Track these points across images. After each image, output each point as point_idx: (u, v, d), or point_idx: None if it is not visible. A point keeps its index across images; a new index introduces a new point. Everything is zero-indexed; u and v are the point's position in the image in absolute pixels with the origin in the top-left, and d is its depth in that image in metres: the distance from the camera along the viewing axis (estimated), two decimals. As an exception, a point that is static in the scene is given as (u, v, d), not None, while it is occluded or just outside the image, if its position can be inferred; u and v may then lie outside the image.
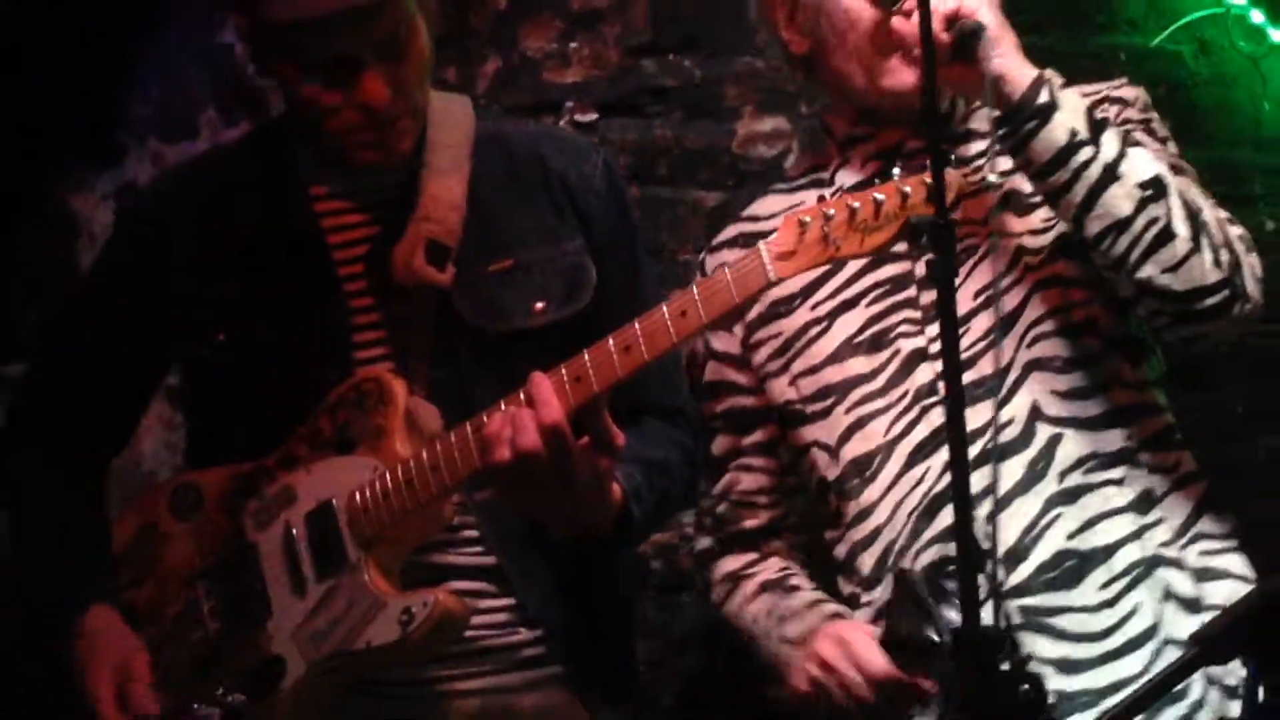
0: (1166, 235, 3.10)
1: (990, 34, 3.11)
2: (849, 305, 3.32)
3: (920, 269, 3.24)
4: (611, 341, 2.90)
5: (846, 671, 3.15)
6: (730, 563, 3.47)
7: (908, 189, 2.77)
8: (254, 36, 3.17)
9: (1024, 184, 3.25)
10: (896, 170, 2.84)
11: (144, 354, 3.40)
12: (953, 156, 3.34)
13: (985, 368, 3.18)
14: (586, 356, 2.92)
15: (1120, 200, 3.10)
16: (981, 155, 3.36)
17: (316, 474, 3.16)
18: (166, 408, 4.28)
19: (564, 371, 2.93)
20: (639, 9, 4.62)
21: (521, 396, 2.95)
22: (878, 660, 3.11)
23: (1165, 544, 3.18)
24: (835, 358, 3.31)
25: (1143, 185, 3.11)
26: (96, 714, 3.16)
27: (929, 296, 3.22)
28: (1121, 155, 3.12)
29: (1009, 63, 3.13)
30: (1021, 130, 3.11)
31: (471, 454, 3.02)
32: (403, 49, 3.13)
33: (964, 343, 3.19)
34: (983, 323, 3.22)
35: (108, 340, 3.39)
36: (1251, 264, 3.17)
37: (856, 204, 2.79)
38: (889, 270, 3.29)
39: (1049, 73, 3.17)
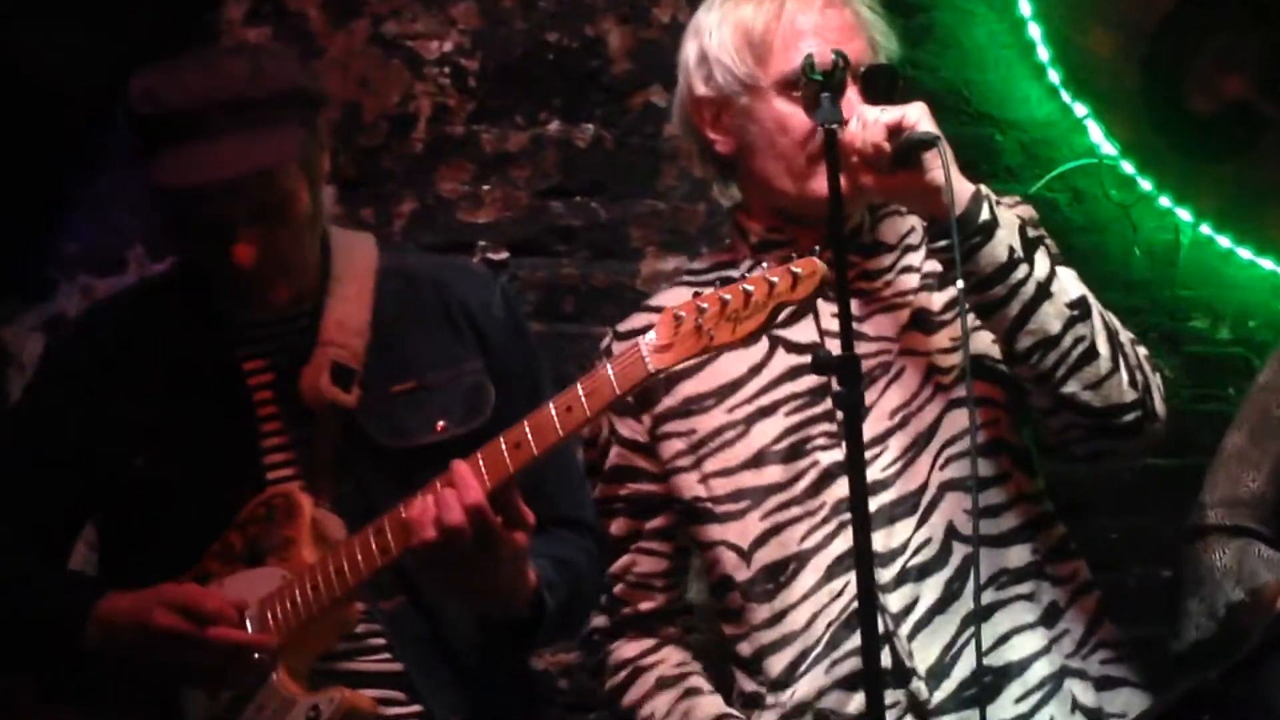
0: (1091, 354, 3.12)
1: (933, 131, 3.10)
2: (766, 412, 3.28)
3: (836, 383, 3.18)
4: (502, 440, 2.98)
5: None
6: (627, 649, 3.42)
7: (775, 279, 2.83)
8: (152, 195, 3.26)
9: (930, 303, 3.25)
10: (765, 263, 2.89)
11: (75, 478, 3.38)
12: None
13: (904, 486, 3.19)
14: (479, 455, 2.99)
15: (1051, 318, 3.11)
16: (891, 269, 3.34)
17: (228, 587, 3.19)
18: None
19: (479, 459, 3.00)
20: (549, 154, 4.70)
21: (438, 484, 3.00)
22: None
23: (1070, 655, 3.20)
24: (752, 463, 3.27)
25: (1071, 305, 3.13)
26: (202, 616, 3.12)
27: None
28: (1052, 274, 3.14)
29: (953, 175, 3.09)
30: (966, 245, 3.09)
31: (373, 554, 3.07)
32: (277, 214, 3.21)
33: (882, 461, 3.21)
34: (899, 442, 3.22)
35: (41, 466, 3.38)
36: (1157, 384, 3.21)
37: (728, 296, 2.84)
38: (807, 382, 3.25)
39: (984, 188, 3.17)
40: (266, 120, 3.19)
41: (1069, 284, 3.16)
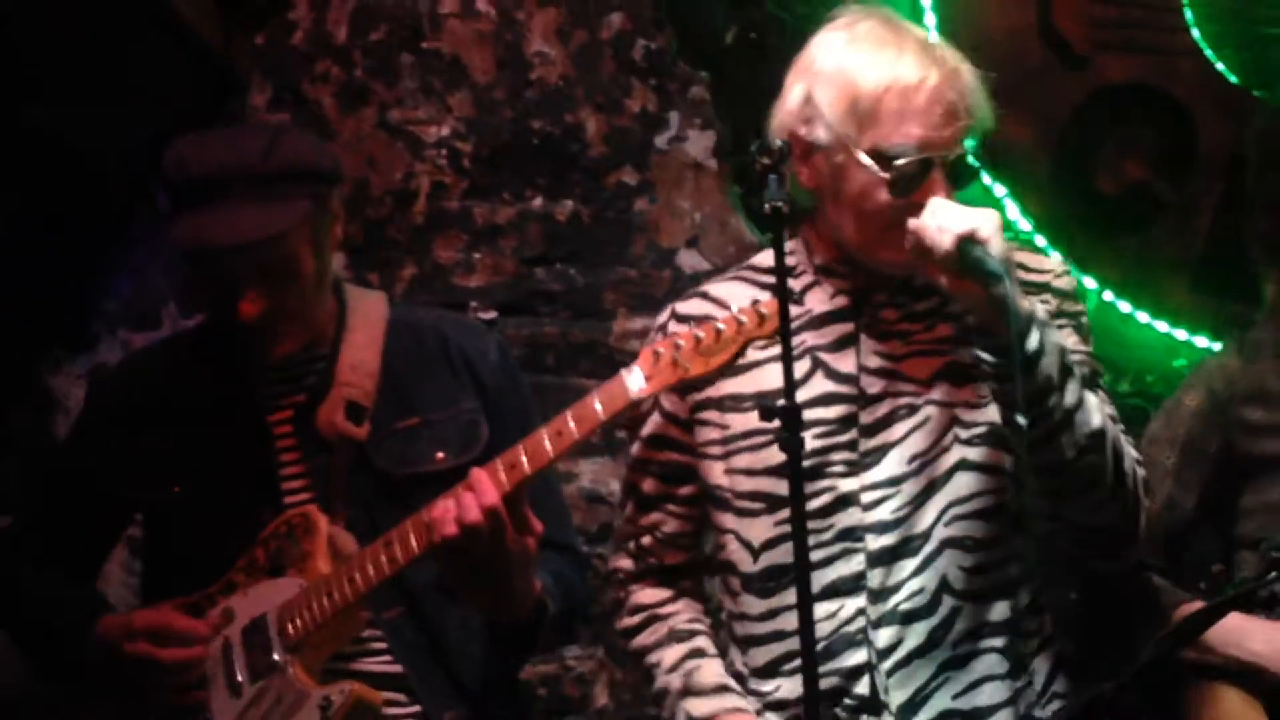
0: (1095, 484, 3.05)
1: (1000, 270, 2.93)
2: None
3: (864, 416, 3.15)
4: (498, 461, 3.13)
5: None
6: (646, 595, 3.39)
7: (743, 318, 2.94)
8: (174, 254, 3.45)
9: (964, 356, 3.12)
10: (734, 305, 2.96)
11: (110, 503, 3.55)
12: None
13: (906, 531, 3.13)
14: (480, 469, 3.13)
15: (1067, 447, 3.01)
16: (935, 313, 3.21)
17: (252, 595, 3.34)
18: (128, 556, 4.37)
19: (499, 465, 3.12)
20: (533, 226, 4.89)
21: (459, 489, 3.10)
22: None
23: (1031, 704, 3.17)
24: (774, 471, 3.15)
25: (1089, 435, 3.03)
26: (168, 635, 3.31)
27: (868, 443, 3.15)
28: (1078, 404, 3.02)
29: (1011, 296, 2.94)
30: (1008, 368, 2.97)
31: (382, 564, 3.19)
32: (282, 276, 3.36)
33: (893, 504, 3.14)
34: (911, 488, 3.14)
35: (82, 492, 3.55)
36: (1146, 507, 3.15)
37: (701, 334, 2.95)
38: (836, 410, 3.17)
39: (1039, 311, 3.03)
40: (275, 193, 3.33)
41: (1091, 415, 3.05)
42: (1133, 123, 5.11)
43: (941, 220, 2.99)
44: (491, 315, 4.86)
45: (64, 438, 3.78)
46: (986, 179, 5.03)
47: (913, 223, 3.03)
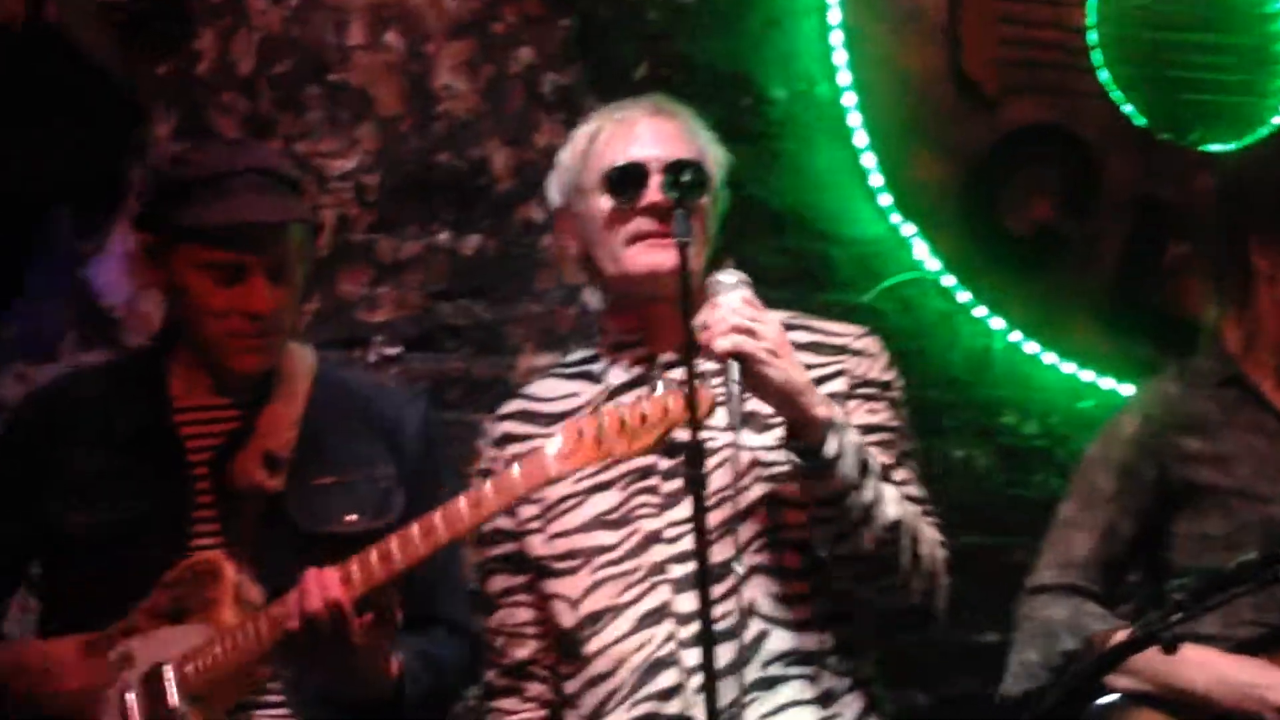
0: (889, 570, 3.19)
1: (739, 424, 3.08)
2: (604, 486, 3.32)
3: (663, 463, 3.27)
4: (415, 526, 3.14)
5: None
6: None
7: (669, 402, 2.98)
8: (160, 246, 3.40)
9: (763, 406, 3.20)
10: (660, 384, 3.01)
11: (17, 531, 3.49)
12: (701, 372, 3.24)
13: (712, 558, 3.13)
14: (393, 539, 3.15)
15: (865, 540, 3.16)
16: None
17: (153, 640, 3.28)
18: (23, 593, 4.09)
19: (373, 551, 3.15)
20: (438, 261, 4.86)
21: (303, 582, 3.15)
22: None
23: None
24: (586, 528, 3.32)
25: (885, 528, 3.16)
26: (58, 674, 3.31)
27: (668, 486, 3.27)
28: (876, 500, 3.16)
29: (806, 406, 3.11)
30: (809, 470, 3.14)
31: (278, 626, 3.19)
32: (284, 275, 3.38)
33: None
34: (715, 517, 3.20)
35: None
36: (944, 586, 3.28)
37: (625, 415, 2.99)
38: (639, 461, 3.26)
39: (837, 415, 3.17)
40: (288, 189, 3.43)
41: (889, 508, 3.20)
42: (1040, 163, 5.16)
43: (716, 329, 3.11)
44: (397, 350, 4.83)
45: None
46: (895, 218, 5.06)
47: (701, 318, 3.15)
